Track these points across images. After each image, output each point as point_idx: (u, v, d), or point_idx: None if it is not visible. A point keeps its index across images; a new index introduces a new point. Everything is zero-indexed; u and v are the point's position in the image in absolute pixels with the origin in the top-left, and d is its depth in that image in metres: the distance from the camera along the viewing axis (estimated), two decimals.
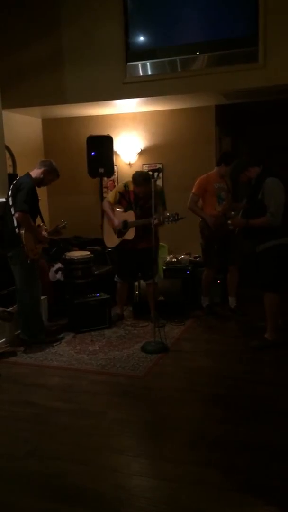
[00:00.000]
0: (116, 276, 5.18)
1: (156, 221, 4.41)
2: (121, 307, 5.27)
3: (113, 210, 4.94)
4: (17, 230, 4.22)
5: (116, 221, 4.87)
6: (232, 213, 4.53)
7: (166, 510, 2.28)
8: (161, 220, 4.47)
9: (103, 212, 5.14)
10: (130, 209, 4.84)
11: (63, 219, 4.84)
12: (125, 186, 4.91)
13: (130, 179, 4.82)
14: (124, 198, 4.90)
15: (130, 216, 4.81)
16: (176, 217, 4.49)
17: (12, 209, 4.25)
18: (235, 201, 5.00)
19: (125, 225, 4.81)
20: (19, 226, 4.22)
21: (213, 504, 2.31)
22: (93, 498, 2.38)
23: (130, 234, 4.80)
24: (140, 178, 4.68)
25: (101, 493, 2.41)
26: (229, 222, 4.43)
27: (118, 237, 4.90)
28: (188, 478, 2.51)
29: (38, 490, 2.46)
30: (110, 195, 5.07)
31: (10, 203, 4.28)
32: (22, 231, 4.21)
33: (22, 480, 2.55)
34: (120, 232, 4.87)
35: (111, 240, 5.03)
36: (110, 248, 5.23)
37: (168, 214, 4.53)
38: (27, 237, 4.25)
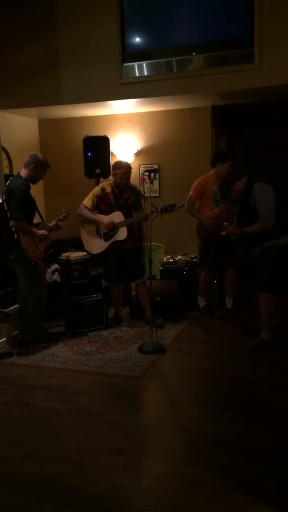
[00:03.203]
0: (103, 281, 5.09)
1: (154, 215, 4.37)
2: (118, 310, 5.21)
3: (94, 214, 4.79)
4: (15, 235, 4.22)
5: (106, 220, 4.68)
6: (225, 223, 4.57)
7: (163, 511, 2.28)
8: (158, 211, 4.39)
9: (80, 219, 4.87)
10: (112, 211, 4.73)
11: (64, 208, 4.70)
12: (102, 189, 4.81)
13: (105, 182, 4.93)
14: (103, 202, 4.77)
15: (117, 216, 4.70)
16: (174, 207, 4.42)
17: (8, 214, 4.22)
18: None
19: (114, 227, 4.68)
20: (16, 231, 4.22)
21: (211, 505, 2.32)
22: (90, 499, 2.38)
23: (121, 234, 4.67)
24: (121, 162, 4.92)
25: (99, 494, 2.41)
26: (223, 233, 4.47)
27: (106, 240, 4.73)
28: (185, 478, 2.51)
29: (35, 492, 2.46)
30: (86, 200, 4.82)
31: (6, 207, 4.25)
32: (21, 234, 4.21)
33: (19, 481, 2.55)
34: (107, 234, 4.73)
35: (95, 246, 4.84)
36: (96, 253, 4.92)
37: (165, 205, 4.50)
38: (27, 241, 4.24)
